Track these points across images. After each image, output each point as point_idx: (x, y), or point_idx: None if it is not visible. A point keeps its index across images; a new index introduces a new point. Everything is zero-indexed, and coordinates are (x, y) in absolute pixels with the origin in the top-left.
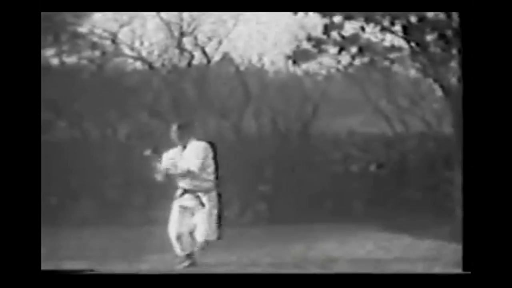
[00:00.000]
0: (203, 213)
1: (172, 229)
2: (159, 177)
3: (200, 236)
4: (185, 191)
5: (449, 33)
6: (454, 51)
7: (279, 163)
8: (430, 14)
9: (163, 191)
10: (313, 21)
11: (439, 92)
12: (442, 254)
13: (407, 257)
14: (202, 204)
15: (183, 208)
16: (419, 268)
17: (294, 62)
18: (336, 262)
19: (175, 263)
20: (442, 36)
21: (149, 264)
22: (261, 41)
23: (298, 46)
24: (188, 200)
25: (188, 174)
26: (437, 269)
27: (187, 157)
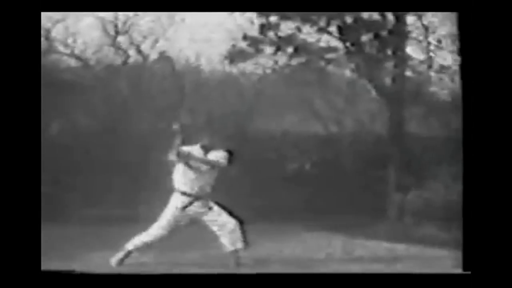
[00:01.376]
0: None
1: (155, 235)
2: (173, 157)
3: (231, 245)
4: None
5: (384, 33)
6: (389, 52)
7: None
8: (365, 15)
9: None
10: (250, 21)
11: (373, 93)
12: (375, 254)
13: (341, 257)
14: (210, 208)
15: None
16: (354, 268)
17: (231, 61)
18: (269, 262)
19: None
20: (377, 37)
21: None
22: (197, 40)
23: (234, 46)
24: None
25: (214, 166)
26: (374, 268)
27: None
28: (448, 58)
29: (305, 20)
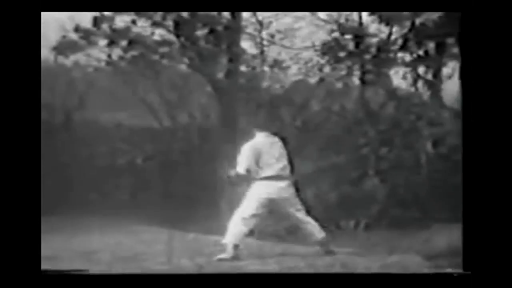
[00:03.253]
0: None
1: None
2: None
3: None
4: None
5: (219, 28)
6: (224, 47)
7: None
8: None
9: None
10: (82, 14)
11: (207, 87)
12: (203, 247)
13: (172, 250)
14: None
15: None
16: (183, 263)
17: (59, 52)
18: (97, 255)
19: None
20: (212, 32)
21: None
22: None
23: (64, 37)
24: None
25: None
26: (198, 261)
27: None
28: (282, 53)
29: (140, 14)
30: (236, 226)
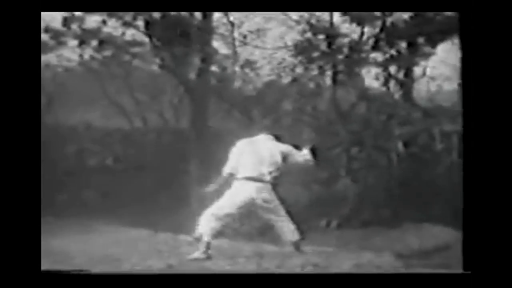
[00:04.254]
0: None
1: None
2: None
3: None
4: None
5: (191, 29)
6: (195, 47)
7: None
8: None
9: None
10: (52, 13)
11: (179, 88)
12: (174, 247)
13: (143, 251)
14: None
15: None
16: (154, 264)
17: None
18: (71, 257)
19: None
20: (184, 33)
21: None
22: None
23: None
24: None
25: None
26: (171, 262)
27: None
28: (255, 53)
29: (111, 14)
30: (209, 222)
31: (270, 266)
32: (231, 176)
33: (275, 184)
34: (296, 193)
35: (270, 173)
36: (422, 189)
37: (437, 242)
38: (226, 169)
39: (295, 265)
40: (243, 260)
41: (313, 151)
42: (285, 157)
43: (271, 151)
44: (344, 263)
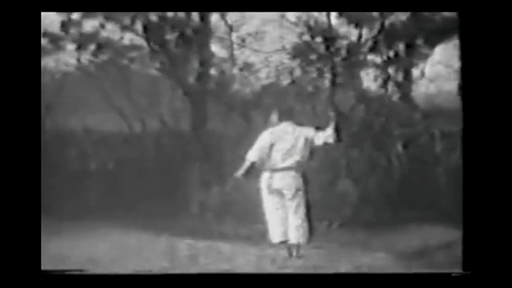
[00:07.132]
0: None
1: None
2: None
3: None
4: None
5: (189, 32)
6: (194, 50)
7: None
8: (170, 14)
9: None
10: (51, 17)
11: (178, 92)
12: (176, 251)
13: (143, 255)
14: None
15: None
16: (154, 267)
17: None
18: (70, 260)
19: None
20: (182, 36)
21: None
22: None
23: None
24: None
25: None
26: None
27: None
28: (252, 56)
29: (108, 18)
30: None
31: (270, 267)
32: (256, 164)
33: (304, 173)
34: None
35: (298, 162)
36: (422, 190)
37: (437, 243)
38: (251, 157)
39: (296, 266)
40: (243, 260)
41: (337, 130)
42: (311, 142)
43: (298, 139)
44: (345, 263)
